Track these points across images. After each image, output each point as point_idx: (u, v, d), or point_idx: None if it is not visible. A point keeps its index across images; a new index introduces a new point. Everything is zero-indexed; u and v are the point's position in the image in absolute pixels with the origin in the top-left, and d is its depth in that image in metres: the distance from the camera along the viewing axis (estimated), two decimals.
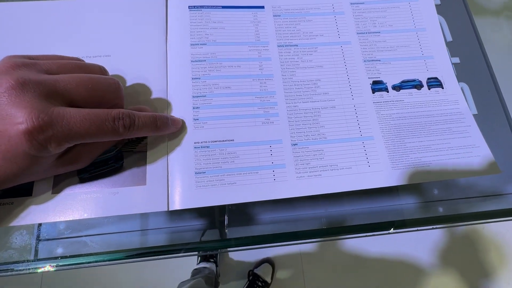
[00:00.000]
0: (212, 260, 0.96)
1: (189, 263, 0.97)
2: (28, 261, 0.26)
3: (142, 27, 0.28)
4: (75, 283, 0.95)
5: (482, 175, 0.25)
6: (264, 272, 0.95)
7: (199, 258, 0.98)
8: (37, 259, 0.26)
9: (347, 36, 0.29)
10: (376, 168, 0.25)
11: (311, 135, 0.26)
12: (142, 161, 0.24)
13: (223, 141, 0.25)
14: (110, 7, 0.28)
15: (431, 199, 0.31)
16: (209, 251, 0.31)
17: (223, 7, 0.29)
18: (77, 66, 0.21)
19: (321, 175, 0.24)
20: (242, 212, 0.31)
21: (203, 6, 0.29)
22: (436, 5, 0.36)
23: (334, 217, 0.31)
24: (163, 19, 0.28)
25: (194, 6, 0.29)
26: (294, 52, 0.28)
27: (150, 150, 0.24)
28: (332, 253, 1.01)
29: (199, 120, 0.25)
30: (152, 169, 0.23)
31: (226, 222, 0.30)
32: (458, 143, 0.26)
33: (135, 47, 0.27)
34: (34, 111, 0.16)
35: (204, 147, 0.24)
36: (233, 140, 0.25)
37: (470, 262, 1.00)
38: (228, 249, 0.30)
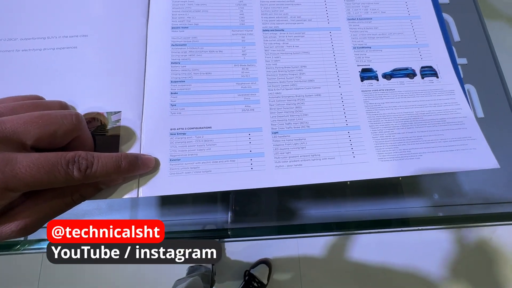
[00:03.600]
0: None
1: None
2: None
3: (123, 8, 0.27)
4: (73, 279, 0.96)
5: (478, 168, 0.23)
6: (261, 273, 0.93)
7: None
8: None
9: (337, 22, 0.28)
10: (361, 159, 0.23)
11: (293, 123, 0.24)
12: (114, 146, 0.23)
13: (200, 128, 0.24)
14: None
15: (434, 204, 0.30)
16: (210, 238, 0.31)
17: None
18: (33, 105, 0.19)
19: (301, 165, 0.23)
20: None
21: None
22: (445, 4, 0.34)
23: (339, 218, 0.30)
24: (146, 0, 0.27)
25: None
26: (280, 37, 0.27)
27: (124, 134, 0.23)
28: (333, 259, 0.98)
29: (177, 106, 0.24)
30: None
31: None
32: (453, 135, 0.24)
33: (115, 28, 0.26)
34: None
35: (181, 133, 0.23)
36: (210, 127, 0.24)
37: (479, 274, 0.96)
38: (228, 239, 0.29)
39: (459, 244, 0.99)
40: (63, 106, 0.21)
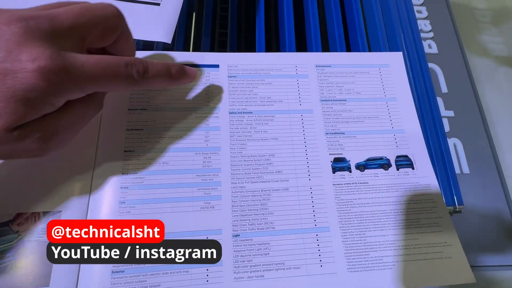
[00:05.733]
0: None
1: None
2: None
3: None
4: None
5: (452, 283, 0.21)
6: None
7: None
8: None
9: (310, 104, 0.26)
10: (329, 269, 0.21)
11: (257, 223, 0.22)
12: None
13: None
14: None
15: None
16: None
17: None
18: None
19: (263, 276, 0.21)
20: None
21: None
22: (433, 54, 0.33)
23: None
24: None
25: None
26: (247, 120, 0.25)
27: None
28: None
29: (126, 204, 0.21)
30: (59, 266, 0.20)
31: None
32: (427, 239, 0.22)
33: None
34: (47, 50, 0.14)
35: None
36: None
37: None
38: None
39: None
40: None
